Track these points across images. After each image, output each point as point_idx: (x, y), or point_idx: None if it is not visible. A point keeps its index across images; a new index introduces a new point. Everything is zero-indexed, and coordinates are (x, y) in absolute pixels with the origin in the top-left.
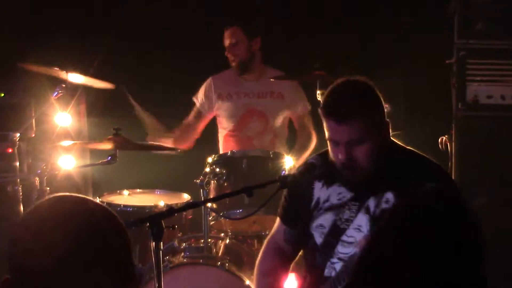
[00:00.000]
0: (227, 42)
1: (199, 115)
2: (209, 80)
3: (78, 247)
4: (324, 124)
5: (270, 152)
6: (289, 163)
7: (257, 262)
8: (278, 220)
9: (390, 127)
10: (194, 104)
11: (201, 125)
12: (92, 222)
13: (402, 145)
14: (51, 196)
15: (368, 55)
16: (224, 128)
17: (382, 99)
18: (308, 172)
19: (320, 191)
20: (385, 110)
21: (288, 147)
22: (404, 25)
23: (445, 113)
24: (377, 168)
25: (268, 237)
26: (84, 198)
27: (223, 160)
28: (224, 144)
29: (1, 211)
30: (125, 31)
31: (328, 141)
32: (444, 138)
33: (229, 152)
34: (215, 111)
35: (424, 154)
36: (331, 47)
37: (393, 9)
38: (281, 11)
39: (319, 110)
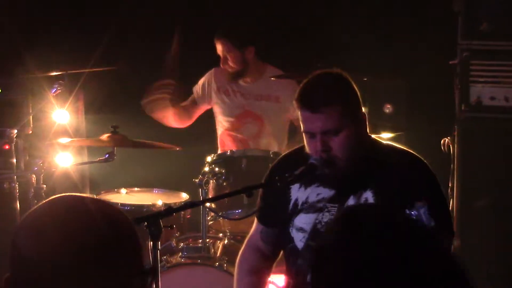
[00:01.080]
0: (218, 52)
1: (194, 104)
2: (211, 71)
3: (79, 249)
4: (300, 117)
5: (270, 152)
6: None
7: (237, 262)
8: (255, 220)
9: (367, 120)
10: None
11: (196, 113)
12: (95, 224)
13: (382, 141)
14: (54, 196)
15: (371, 55)
16: (221, 125)
17: (357, 91)
18: (309, 173)
19: (298, 192)
20: (387, 110)
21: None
22: (407, 25)
23: (448, 115)
24: (356, 165)
25: (247, 237)
26: (88, 198)
27: (222, 160)
28: (222, 142)
29: None
30: (125, 23)
31: (304, 136)
32: (446, 139)
33: (229, 151)
34: (213, 103)
35: (403, 148)
36: (331, 46)
37: (396, 9)
38: (282, 9)
39: (294, 103)
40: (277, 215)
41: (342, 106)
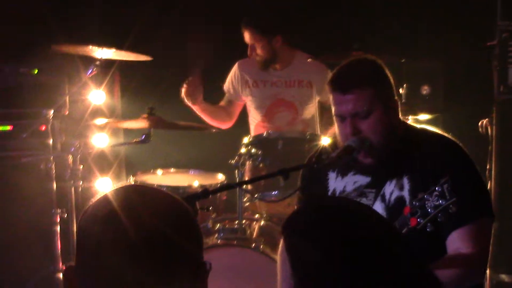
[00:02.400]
0: (246, 41)
1: (230, 103)
2: (235, 67)
3: (151, 236)
4: (331, 101)
5: (307, 133)
6: (325, 143)
7: (279, 250)
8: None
9: (399, 107)
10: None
11: (234, 111)
12: (164, 211)
13: (416, 125)
14: (124, 185)
15: (408, 37)
16: (253, 117)
17: (391, 78)
18: (346, 155)
19: (335, 182)
20: (424, 91)
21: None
22: (445, 6)
23: (486, 96)
24: (389, 151)
25: None
26: (151, 187)
27: (258, 141)
28: (256, 133)
29: (34, 188)
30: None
31: (335, 120)
32: (484, 121)
33: (265, 133)
34: (244, 97)
35: (440, 132)
36: (369, 28)
37: None
38: None
39: (326, 87)
40: None
41: (372, 89)
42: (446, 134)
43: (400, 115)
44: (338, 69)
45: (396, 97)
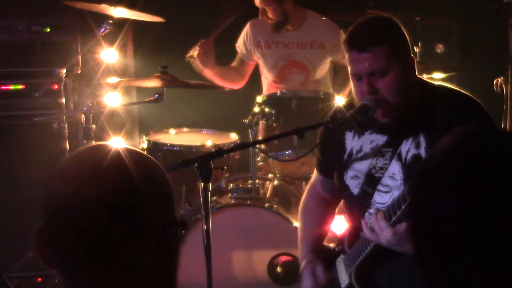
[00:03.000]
0: (256, 4)
1: (242, 62)
2: (247, 27)
3: (114, 196)
4: (348, 60)
5: (321, 93)
6: (340, 103)
7: (300, 209)
8: (315, 170)
9: (415, 64)
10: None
11: (247, 70)
12: (129, 173)
13: (434, 82)
14: (91, 145)
15: None
16: (266, 77)
17: (407, 35)
18: (361, 114)
19: (352, 142)
20: (439, 50)
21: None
22: None
23: (501, 55)
24: (406, 109)
25: (308, 186)
26: (122, 147)
27: (272, 100)
28: (268, 93)
29: (47, 148)
30: None
31: (351, 79)
32: (499, 80)
33: (279, 92)
34: (256, 58)
35: (458, 89)
36: None
37: None
38: None
39: (342, 45)
40: (334, 167)
41: (389, 47)
42: (462, 91)
43: (417, 72)
44: (354, 27)
45: (412, 55)
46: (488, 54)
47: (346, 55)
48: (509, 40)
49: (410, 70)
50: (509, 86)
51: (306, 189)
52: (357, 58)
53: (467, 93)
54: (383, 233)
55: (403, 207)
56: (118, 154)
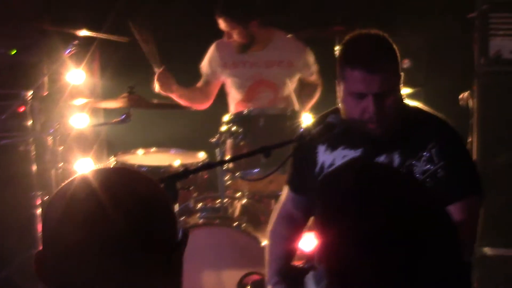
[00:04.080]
0: (222, 28)
1: (207, 83)
2: (212, 47)
3: (111, 227)
4: (347, 77)
5: (288, 110)
6: (307, 121)
7: (270, 230)
8: (286, 187)
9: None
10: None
11: (212, 90)
12: (128, 200)
13: (409, 102)
14: (94, 168)
15: (389, 10)
16: (233, 97)
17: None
18: (327, 132)
19: (324, 156)
20: (405, 65)
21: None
22: None
23: (467, 69)
24: (390, 127)
25: (277, 204)
26: (122, 170)
27: (239, 119)
28: (236, 111)
29: (13, 171)
30: None
31: (346, 95)
32: (465, 94)
33: (246, 110)
34: (222, 78)
35: (432, 111)
36: (350, 3)
37: None
38: None
39: (342, 62)
40: (306, 181)
41: (394, 68)
42: (439, 115)
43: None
44: (357, 44)
45: (402, 72)
46: (454, 68)
47: (347, 73)
48: (475, 55)
49: (401, 88)
50: (475, 100)
51: (276, 208)
52: (365, 77)
53: (439, 115)
54: None
55: None
56: (116, 179)
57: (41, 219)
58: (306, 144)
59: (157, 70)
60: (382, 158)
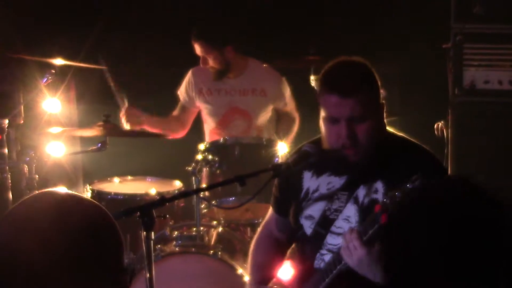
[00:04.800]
0: (197, 53)
1: (184, 109)
2: (189, 74)
3: (55, 249)
4: (322, 103)
5: (263, 139)
6: (282, 150)
7: (251, 250)
8: (270, 208)
9: (385, 110)
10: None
11: (189, 118)
12: (72, 223)
13: (394, 131)
14: (40, 191)
15: (363, 40)
16: (208, 125)
17: (379, 81)
18: (302, 160)
19: (309, 181)
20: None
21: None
22: (399, 9)
23: (441, 99)
24: (371, 155)
25: (262, 225)
26: (66, 194)
27: (215, 148)
28: (211, 139)
29: None
30: (116, 16)
31: (324, 122)
32: (440, 124)
33: (222, 139)
34: (198, 105)
35: (417, 142)
36: (324, 33)
37: None
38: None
39: (318, 88)
40: (290, 205)
41: (370, 94)
42: (423, 146)
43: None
44: (334, 70)
45: (383, 100)
46: (428, 98)
47: (322, 98)
48: (449, 85)
49: (382, 115)
50: (450, 130)
51: (260, 227)
52: (338, 102)
53: (423, 145)
54: (356, 251)
55: (374, 228)
56: (60, 203)
57: None
58: (294, 169)
59: (123, 108)
60: (365, 187)
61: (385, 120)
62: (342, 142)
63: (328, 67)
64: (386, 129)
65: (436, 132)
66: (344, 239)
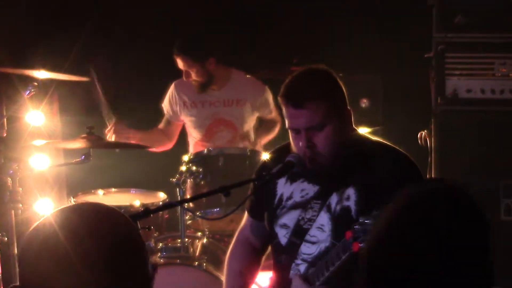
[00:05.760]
0: (179, 67)
1: (169, 123)
2: (171, 87)
3: (88, 262)
4: (284, 113)
5: (247, 150)
6: (267, 157)
7: (226, 257)
8: (246, 213)
9: (352, 116)
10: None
11: (174, 131)
12: (102, 231)
13: (367, 136)
14: (60, 207)
15: (345, 50)
16: (192, 137)
17: (343, 88)
18: (286, 170)
19: (283, 187)
20: (363, 104)
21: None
22: (382, 19)
23: (424, 108)
24: (339, 162)
25: (237, 230)
26: (92, 205)
27: (199, 159)
28: (195, 151)
29: None
30: (101, 26)
31: (289, 133)
32: (423, 133)
33: (206, 150)
34: (182, 117)
35: (390, 144)
36: (306, 43)
37: (371, 2)
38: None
39: (279, 99)
40: (264, 209)
41: (326, 102)
42: (396, 148)
43: (353, 124)
44: (290, 82)
45: (349, 107)
46: (411, 107)
47: (284, 109)
48: (432, 94)
49: (347, 123)
50: (433, 139)
51: (236, 233)
52: (294, 113)
53: (397, 148)
54: None
55: (331, 269)
56: (88, 214)
57: (18, 255)
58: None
59: (109, 123)
60: (338, 193)
61: (352, 125)
62: (303, 152)
63: (288, 79)
64: (357, 134)
65: (419, 141)
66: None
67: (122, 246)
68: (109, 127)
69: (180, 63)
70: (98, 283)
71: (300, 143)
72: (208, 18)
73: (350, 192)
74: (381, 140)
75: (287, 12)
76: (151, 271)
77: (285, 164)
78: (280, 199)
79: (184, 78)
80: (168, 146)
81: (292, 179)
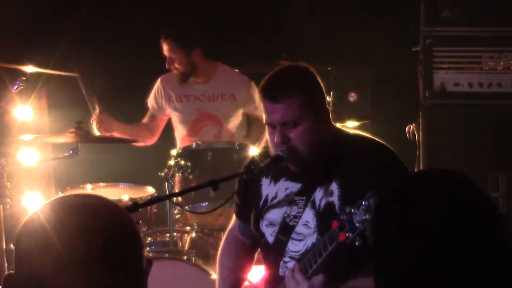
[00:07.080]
0: (164, 53)
1: (153, 118)
2: (158, 82)
3: (85, 247)
4: (263, 109)
5: (236, 144)
6: (254, 153)
7: (218, 255)
8: (233, 215)
9: (330, 114)
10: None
11: (158, 125)
12: (100, 222)
13: (348, 130)
14: (62, 195)
15: (334, 44)
16: (179, 131)
17: (322, 86)
18: (275, 164)
19: (268, 188)
20: (352, 98)
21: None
22: (370, 13)
23: (412, 102)
24: (320, 158)
25: (227, 230)
26: (90, 196)
27: (187, 153)
28: (182, 146)
29: None
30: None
31: (266, 128)
32: (411, 126)
33: (194, 144)
34: (168, 112)
35: (373, 137)
36: (295, 37)
37: None
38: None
39: (255, 96)
40: (250, 211)
41: (302, 98)
42: (377, 140)
43: (332, 121)
44: (269, 77)
45: (327, 104)
46: (399, 101)
47: (261, 104)
48: (419, 87)
49: (324, 120)
50: (421, 132)
51: (225, 234)
52: (271, 108)
53: (380, 141)
54: (299, 286)
55: (319, 260)
56: (86, 204)
57: (14, 244)
58: (268, 172)
59: (94, 114)
60: (321, 189)
61: (331, 123)
62: (278, 147)
63: (268, 74)
64: (336, 129)
65: (407, 135)
66: (288, 274)
67: (115, 241)
68: (93, 117)
69: (165, 48)
70: (91, 280)
71: (276, 138)
72: (197, 12)
73: (333, 187)
74: (363, 134)
75: (277, 6)
76: (145, 266)
77: (273, 158)
78: (266, 200)
79: (167, 65)
80: (151, 141)
81: (276, 179)
